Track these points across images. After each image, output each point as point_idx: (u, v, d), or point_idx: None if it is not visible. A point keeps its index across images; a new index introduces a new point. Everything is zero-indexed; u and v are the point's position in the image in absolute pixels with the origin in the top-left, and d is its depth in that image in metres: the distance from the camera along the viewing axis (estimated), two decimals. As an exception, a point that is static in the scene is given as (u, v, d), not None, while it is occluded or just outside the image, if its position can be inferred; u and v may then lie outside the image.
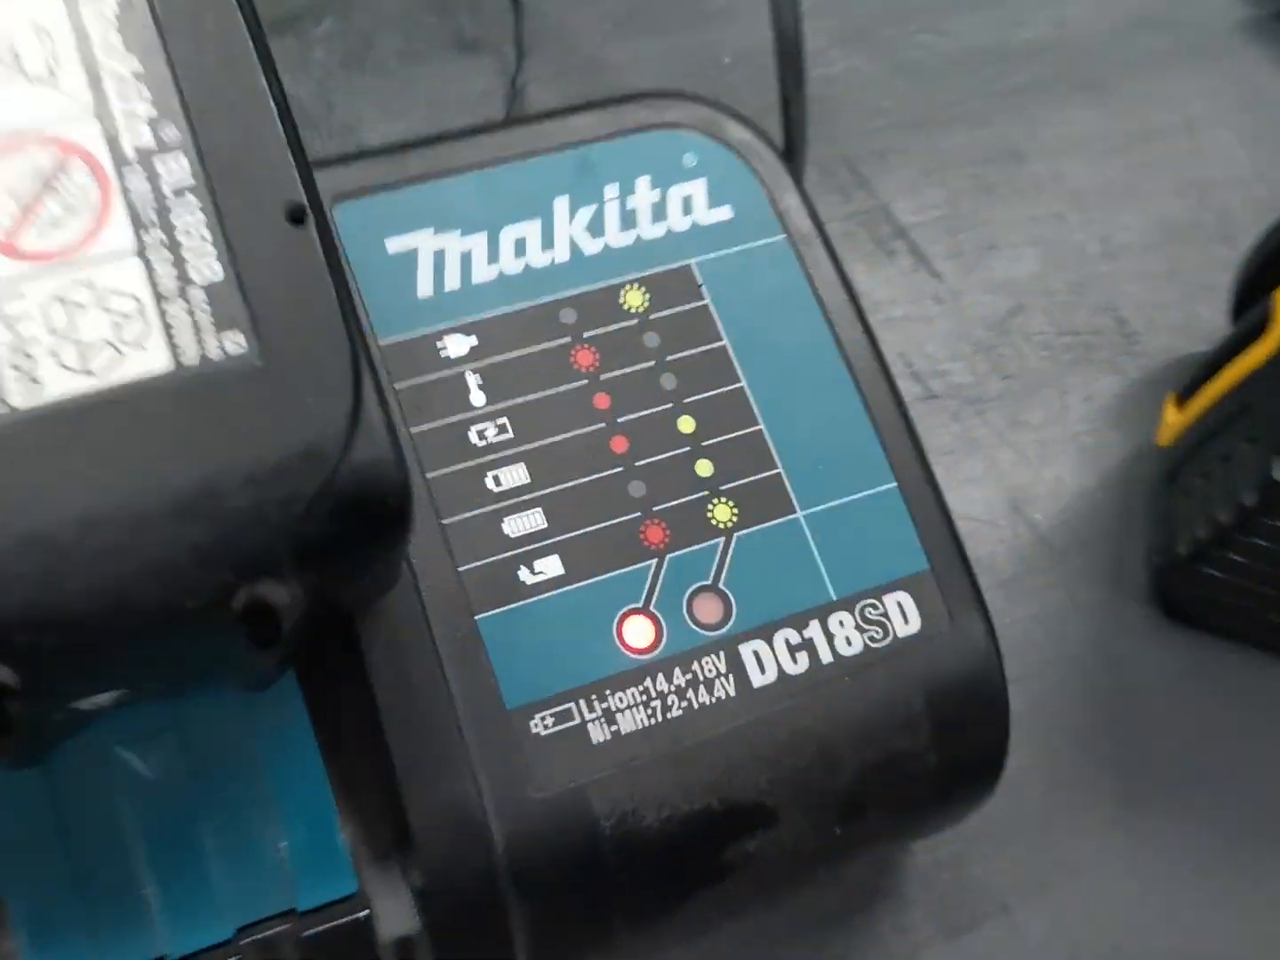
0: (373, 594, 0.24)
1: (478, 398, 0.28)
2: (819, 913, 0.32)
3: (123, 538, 0.19)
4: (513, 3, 0.41)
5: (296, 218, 0.21)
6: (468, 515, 0.27)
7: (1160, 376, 0.40)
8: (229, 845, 0.24)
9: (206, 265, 0.20)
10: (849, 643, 0.28)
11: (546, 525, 0.27)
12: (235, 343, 0.20)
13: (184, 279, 0.20)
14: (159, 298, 0.20)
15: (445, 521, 0.27)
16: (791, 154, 0.34)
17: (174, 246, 0.20)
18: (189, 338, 0.20)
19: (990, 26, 0.43)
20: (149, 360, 0.20)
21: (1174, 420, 0.37)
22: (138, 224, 0.20)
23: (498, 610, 0.26)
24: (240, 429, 0.20)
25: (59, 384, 0.19)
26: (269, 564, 0.20)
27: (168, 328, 0.20)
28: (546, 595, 0.27)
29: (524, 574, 0.27)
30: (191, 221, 0.20)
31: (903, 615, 0.28)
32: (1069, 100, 0.43)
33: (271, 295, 0.20)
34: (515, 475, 0.27)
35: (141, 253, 0.20)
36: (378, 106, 0.39)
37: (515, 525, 0.27)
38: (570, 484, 0.28)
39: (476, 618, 0.26)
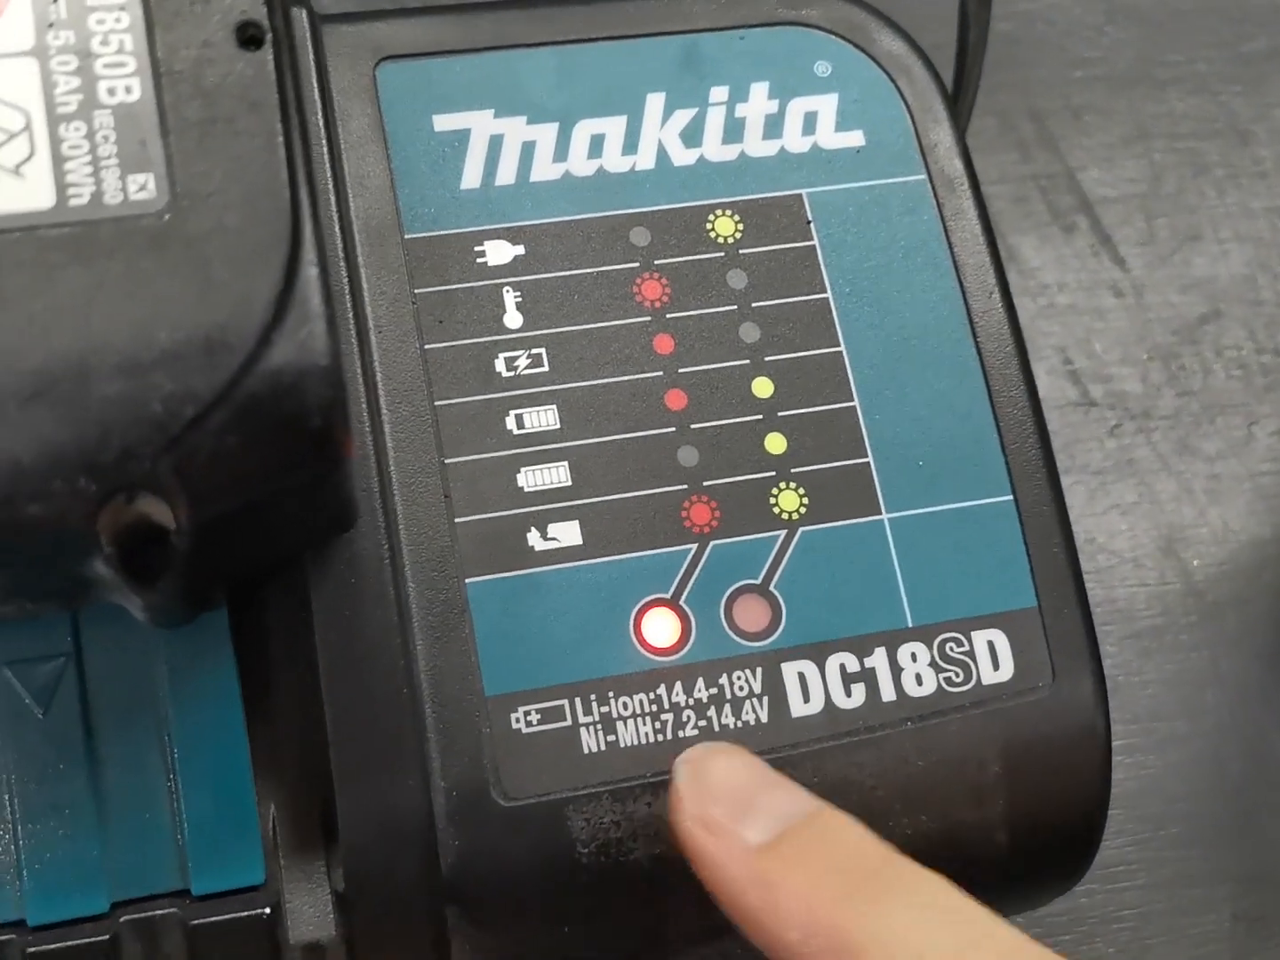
0: (315, 533, 0.20)
1: (513, 319, 0.23)
2: None
3: (-39, 414, 0.15)
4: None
5: (251, 39, 0.16)
6: (477, 458, 0.22)
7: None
8: (117, 803, 0.20)
9: (123, 83, 0.16)
10: (919, 681, 0.23)
11: (571, 484, 0.23)
12: (141, 188, 0.16)
13: (90, 96, 0.16)
14: (54, 116, 0.16)
15: (448, 461, 0.22)
16: (960, 87, 0.29)
17: (84, 53, 0.16)
18: (84, 172, 0.16)
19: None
20: (28, 194, 0.15)
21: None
22: (43, 17, 0.16)
23: (494, 576, 0.22)
24: (127, 299, 0.15)
25: (-92, 206, 0.15)
26: (146, 478, 0.15)
27: (59, 156, 0.16)
28: (557, 567, 0.22)
29: (534, 538, 0.22)
30: (113, 25, 0.16)
31: (992, 658, 0.23)
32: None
33: (199, 134, 0.16)
34: (543, 418, 0.23)
35: (41, 54, 0.16)
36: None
37: (533, 478, 0.22)
38: (608, 439, 0.23)
39: (467, 581, 0.22)
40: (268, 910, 0.20)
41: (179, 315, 0.15)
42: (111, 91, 0.16)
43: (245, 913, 0.20)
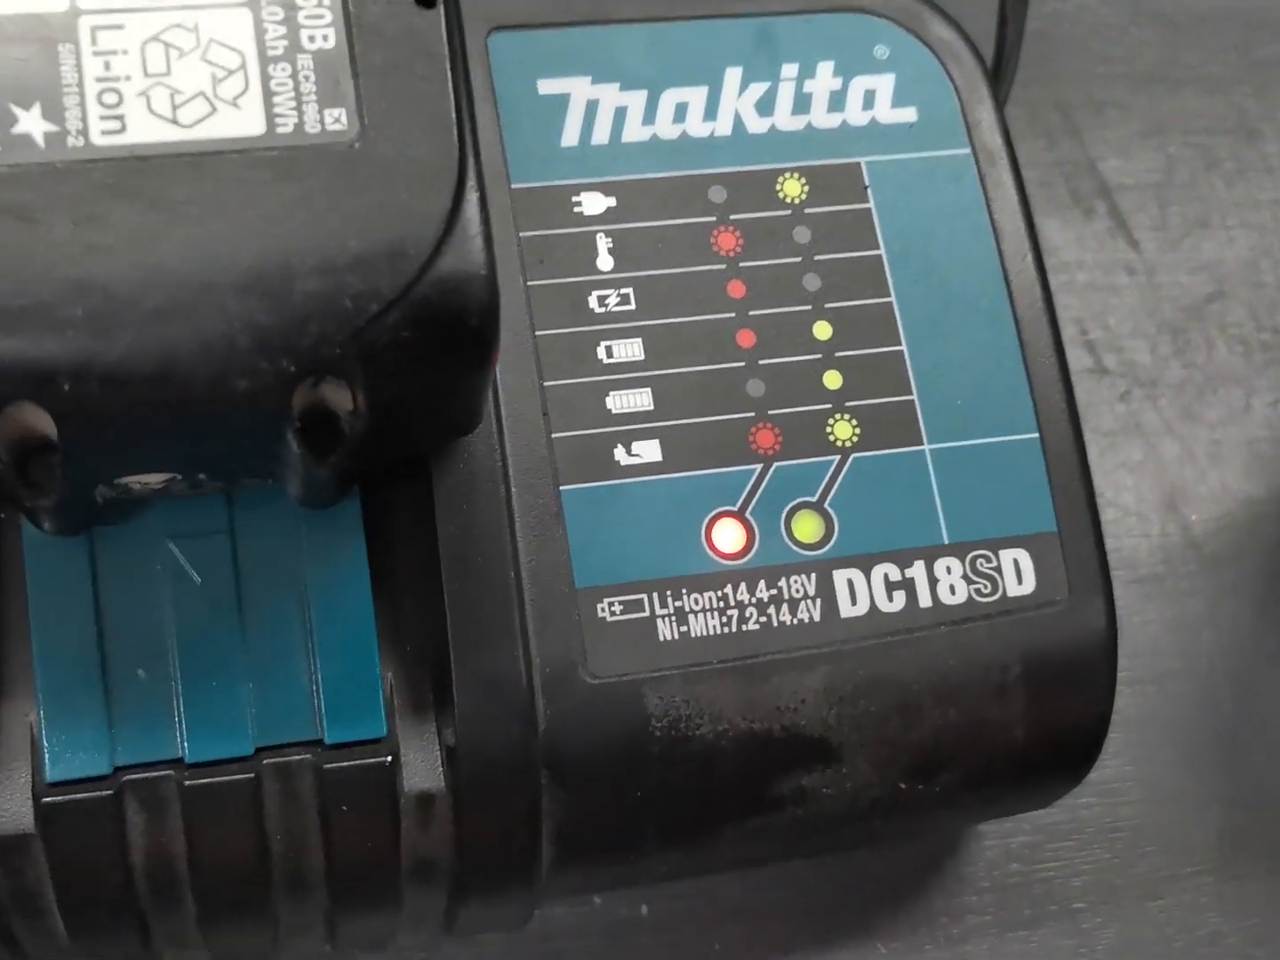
0: (449, 432, 0.23)
1: (605, 261, 0.26)
2: (871, 878, 0.30)
3: (182, 301, 0.18)
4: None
5: (427, 0, 0.19)
6: (572, 382, 0.25)
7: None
8: (263, 662, 0.23)
9: (321, 33, 0.19)
10: (953, 591, 0.26)
11: (653, 407, 0.25)
12: (336, 120, 0.19)
13: (294, 43, 0.19)
14: (265, 58, 0.19)
15: (547, 384, 0.25)
16: (999, 71, 0.32)
17: (289, 6, 0.19)
18: (288, 106, 0.19)
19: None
20: (242, 122, 0.18)
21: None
22: (257, -25, 0.19)
23: (585, 485, 0.25)
24: (325, 212, 0.18)
25: (144, 129, 0.18)
26: (334, 363, 0.18)
27: (268, 91, 0.19)
28: (639, 479, 0.25)
29: (620, 453, 0.25)
30: (314, -17, 0.19)
31: (1017, 574, 0.26)
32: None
33: (384, 77, 0.19)
34: (630, 350, 0.26)
35: (254, 6, 0.19)
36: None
37: (620, 401, 0.25)
38: (686, 370, 0.26)
39: (561, 488, 0.25)
40: (388, 759, 0.23)
41: (367, 226, 0.18)
42: (311, 39, 0.19)
43: (369, 760, 0.23)
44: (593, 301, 0.26)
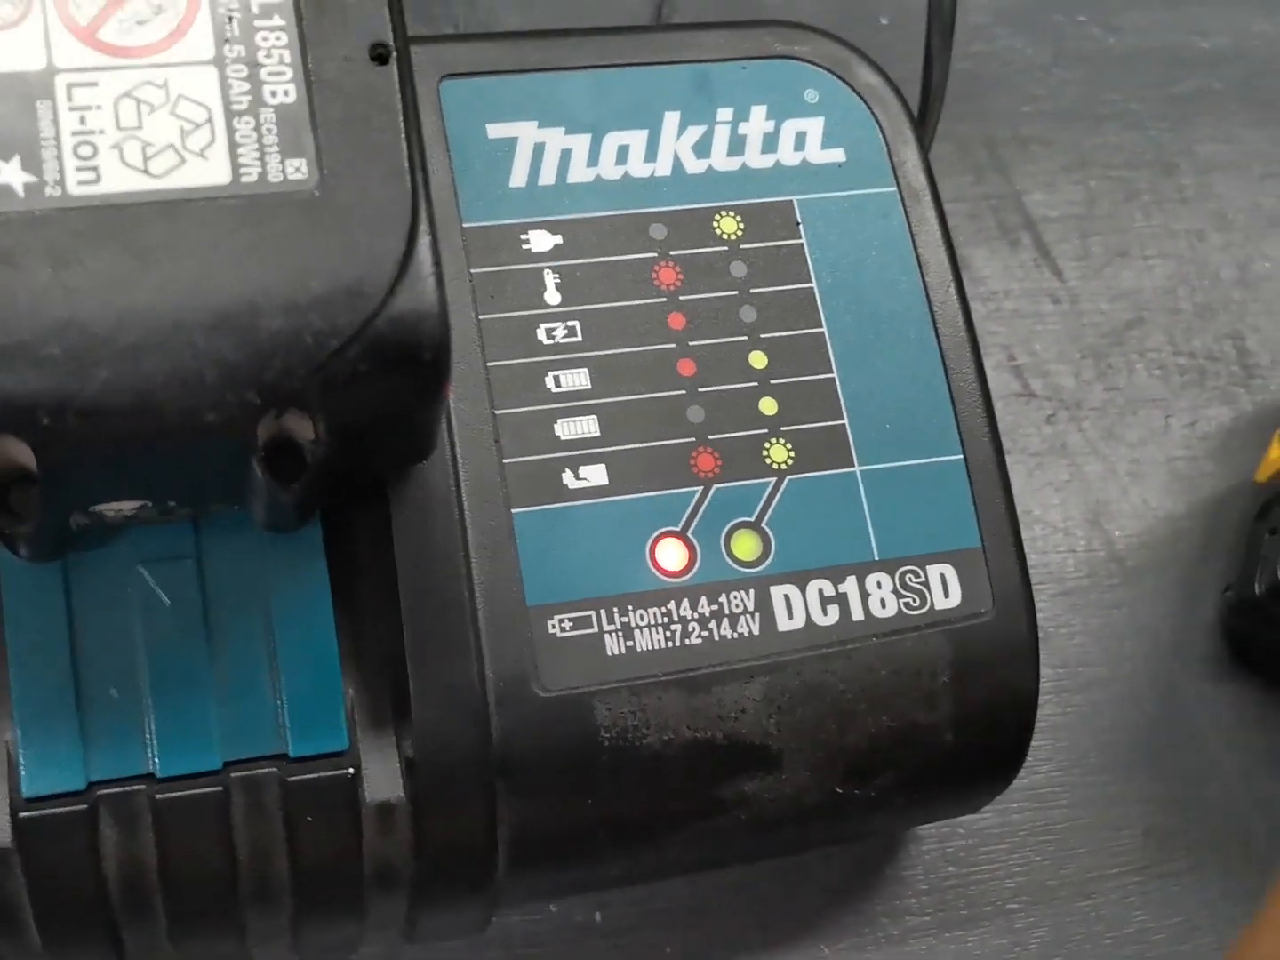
0: (405, 458, 0.24)
1: (553, 296, 0.27)
2: (815, 882, 0.32)
3: (155, 338, 0.19)
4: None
5: (380, 57, 0.20)
6: (522, 410, 0.27)
7: (1273, 415, 0.38)
8: (231, 680, 0.24)
9: (281, 88, 0.20)
10: (883, 605, 0.27)
11: (599, 434, 0.27)
12: (297, 169, 0.20)
13: (257, 98, 0.20)
14: (229, 112, 0.20)
15: (499, 412, 0.27)
16: (924, 115, 0.33)
17: (252, 64, 0.20)
18: (252, 156, 0.20)
19: (1166, 29, 0.42)
20: (209, 171, 0.20)
21: (1276, 456, 0.35)
22: (220, 35, 0.20)
23: (535, 508, 0.26)
24: (288, 254, 0.20)
25: (117, 179, 0.20)
26: (296, 395, 0.20)
27: (233, 143, 0.20)
28: (587, 502, 0.27)
29: (568, 477, 0.27)
30: (274, 42, 0.20)
31: (944, 588, 0.27)
32: (1235, 117, 0.42)
33: (341, 128, 0.20)
34: (576, 379, 0.27)
35: (219, 64, 0.20)
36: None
37: (568, 428, 0.27)
38: (630, 397, 0.27)
39: (513, 511, 0.26)
40: (350, 771, 0.24)
41: (327, 268, 0.20)
42: (274, 94, 0.20)
43: (331, 772, 0.24)
44: (541, 334, 0.27)
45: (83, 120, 0.20)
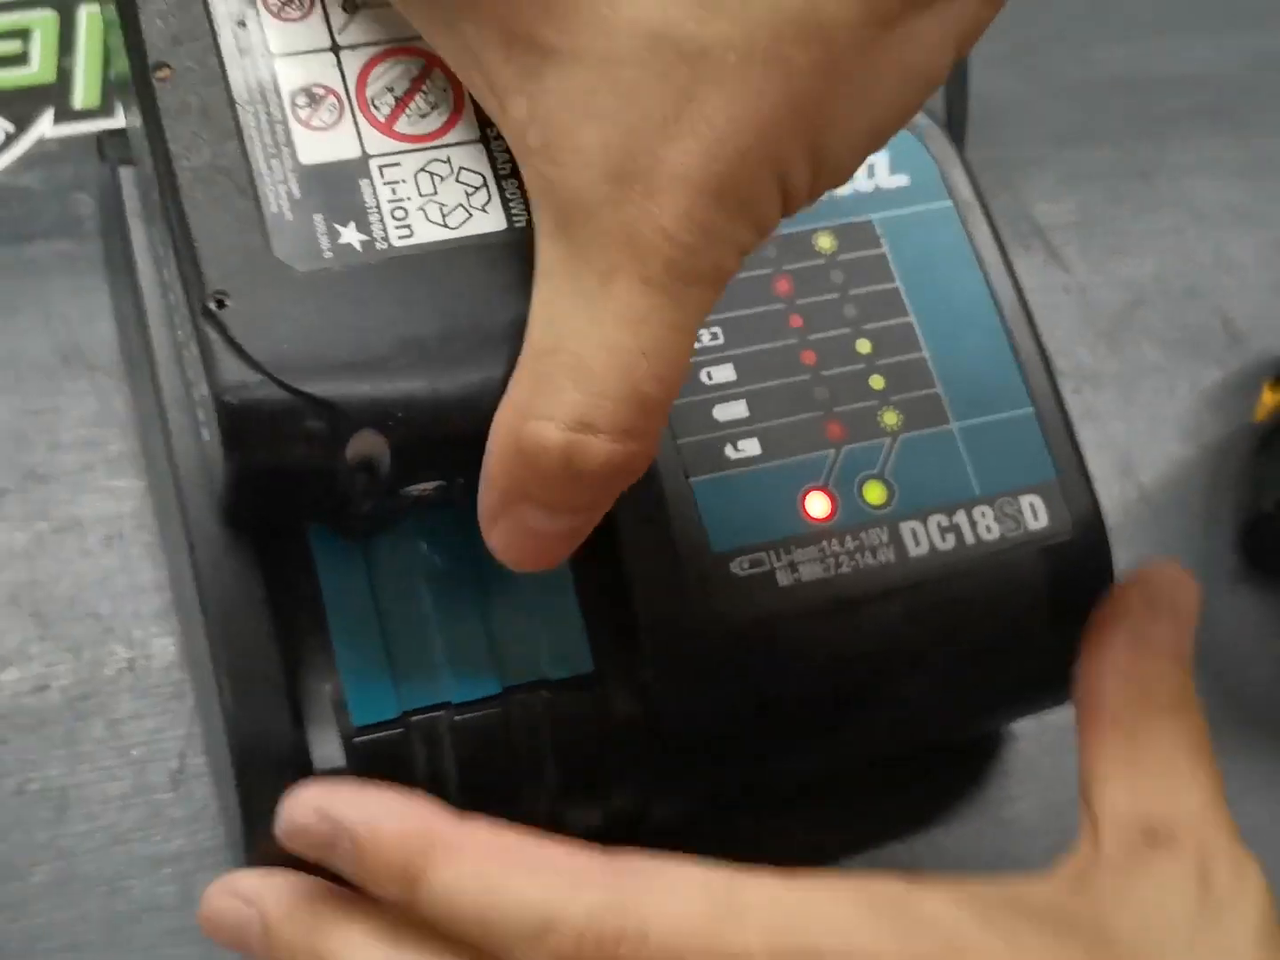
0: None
1: (697, 310, 0.34)
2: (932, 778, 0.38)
3: (470, 352, 0.26)
4: None
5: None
6: (687, 399, 0.33)
7: (1261, 370, 0.46)
8: (500, 623, 0.31)
9: (539, 155, 0.27)
10: (989, 530, 0.34)
11: (748, 415, 0.33)
12: (557, 213, 0.27)
13: (514, 164, 0.27)
14: (497, 176, 0.27)
15: (668, 403, 0.33)
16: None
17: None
18: (519, 207, 0.27)
19: (1138, 58, 0.50)
20: (490, 221, 0.26)
21: (1270, 400, 0.43)
22: (482, 120, 0.27)
23: (708, 476, 0.33)
24: (558, 276, 0.26)
25: (426, 233, 0.26)
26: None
27: (504, 199, 0.27)
28: (746, 469, 0.33)
29: (729, 450, 0.33)
30: (530, 122, 0.27)
31: (1033, 513, 0.34)
32: (1202, 129, 0.49)
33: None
34: (725, 373, 0.34)
35: (485, 141, 0.27)
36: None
37: (724, 412, 0.33)
38: (768, 384, 0.34)
39: (691, 480, 0.33)
40: (598, 691, 0.30)
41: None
42: (532, 161, 0.27)
43: (582, 691, 0.30)
44: (692, 341, 0.34)
45: (394, 191, 0.26)
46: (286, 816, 0.26)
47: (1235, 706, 0.41)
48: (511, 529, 0.25)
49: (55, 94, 0.46)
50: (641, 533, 0.31)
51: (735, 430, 0.33)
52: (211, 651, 0.29)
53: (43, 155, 0.45)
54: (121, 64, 0.28)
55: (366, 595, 0.30)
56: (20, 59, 0.47)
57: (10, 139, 0.45)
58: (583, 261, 0.23)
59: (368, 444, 0.26)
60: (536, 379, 0.24)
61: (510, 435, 0.24)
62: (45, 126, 0.46)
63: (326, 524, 0.29)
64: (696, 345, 0.34)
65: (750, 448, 0.33)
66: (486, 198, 0.27)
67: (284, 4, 0.27)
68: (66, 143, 0.45)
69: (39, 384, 0.41)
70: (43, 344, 0.41)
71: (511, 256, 0.26)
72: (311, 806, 0.26)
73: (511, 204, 0.27)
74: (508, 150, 0.27)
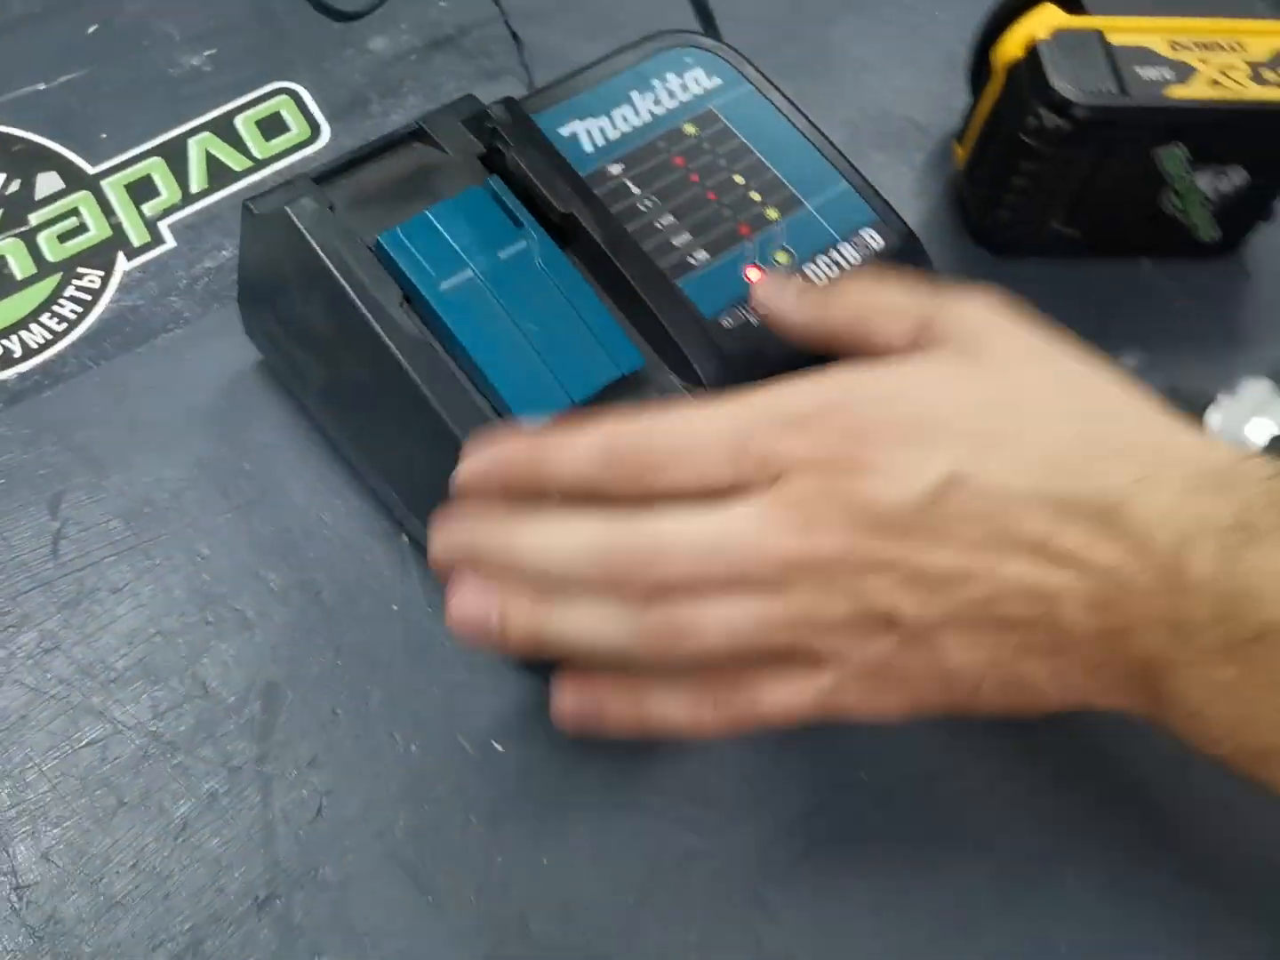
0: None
1: (634, 189, 0.54)
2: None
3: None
4: (513, 36, 0.68)
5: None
6: (655, 242, 0.53)
7: (947, 144, 0.68)
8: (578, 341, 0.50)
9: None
10: (854, 257, 0.54)
11: (692, 238, 0.53)
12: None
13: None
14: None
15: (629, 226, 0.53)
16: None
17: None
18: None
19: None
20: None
21: (959, 151, 0.65)
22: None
23: (685, 277, 0.52)
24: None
25: None
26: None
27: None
28: (705, 268, 0.53)
29: (690, 259, 0.53)
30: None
31: (874, 240, 0.55)
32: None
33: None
34: (669, 219, 0.54)
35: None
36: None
37: (678, 240, 0.53)
38: (695, 216, 0.54)
39: (677, 282, 0.52)
40: (645, 380, 0.50)
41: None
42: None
43: (634, 382, 0.50)
44: (640, 205, 0.54)
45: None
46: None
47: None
48: None
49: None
50: (662, 304, 0.51)
51: (689, 248, 0.53)
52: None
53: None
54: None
55: (494, 328, 0.49)
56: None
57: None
58: None
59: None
60: None
61: None
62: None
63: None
64: (644, 210, 0.54)
65: (701, 255, 0.53)
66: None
67: None
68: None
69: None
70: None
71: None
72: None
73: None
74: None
